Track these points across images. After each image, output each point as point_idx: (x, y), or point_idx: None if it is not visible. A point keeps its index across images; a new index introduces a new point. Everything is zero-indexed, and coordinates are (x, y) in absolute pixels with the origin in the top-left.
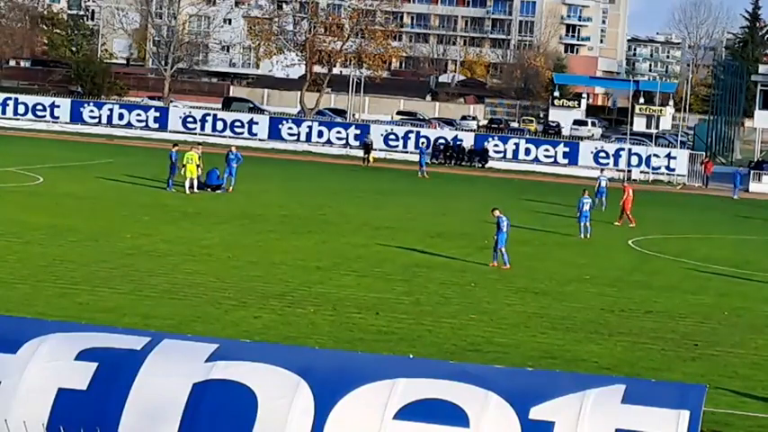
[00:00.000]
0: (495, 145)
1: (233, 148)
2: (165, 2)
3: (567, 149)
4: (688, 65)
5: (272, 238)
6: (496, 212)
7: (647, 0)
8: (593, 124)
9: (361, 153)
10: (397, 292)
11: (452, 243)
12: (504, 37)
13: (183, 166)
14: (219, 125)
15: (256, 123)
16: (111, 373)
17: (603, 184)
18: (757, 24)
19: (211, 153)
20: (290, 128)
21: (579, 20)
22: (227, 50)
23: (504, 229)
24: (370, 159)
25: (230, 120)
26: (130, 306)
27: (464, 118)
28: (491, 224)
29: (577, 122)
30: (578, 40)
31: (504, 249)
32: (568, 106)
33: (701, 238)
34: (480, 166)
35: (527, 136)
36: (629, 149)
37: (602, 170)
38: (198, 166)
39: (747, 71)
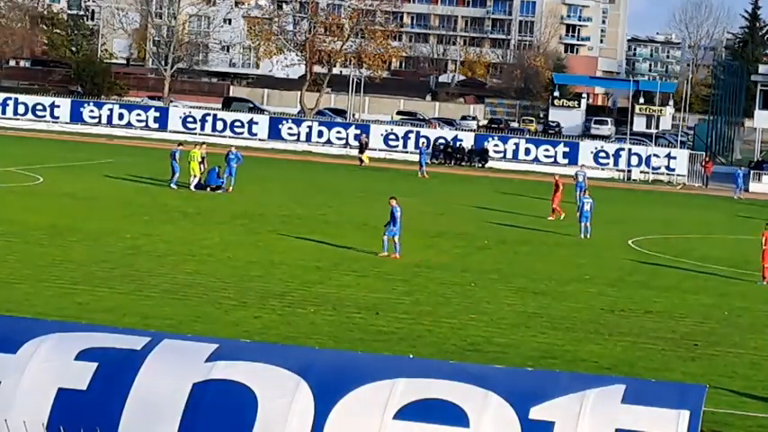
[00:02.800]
0: (495, 145)
1: (233, 149)
2: (165, 2)
3: (566, 149)
4: (688, 65)
5: (272, 238)
6: (393, 202)
7: (647, 0)
8: (611, 123)
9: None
10: (397, 292)
11: (452, 243)
12: (504, 37)
13: (188, 163)
14: (219, 125)
15: (256, 123)
16: (111, 373)
17: (581, 178)
18: (757, 24)
19: (211, 153)
20: (290, 128)
21: (579, 20)
22: (227, 50)
23: (398, 219)
24: (365, 159)
25: (230, 120)
26: (130, 306)
27: (464, 118)
28: (491, 224)
29: (598, 122)
30: (578, 40)
31: (397, 239)
32: (568, 106)
33: (701, 238)
34: (480, 166)
35: (527, 136)
36: (629, 149)
37: (581, 165)
38: (200, 163)
39: (747, 71)
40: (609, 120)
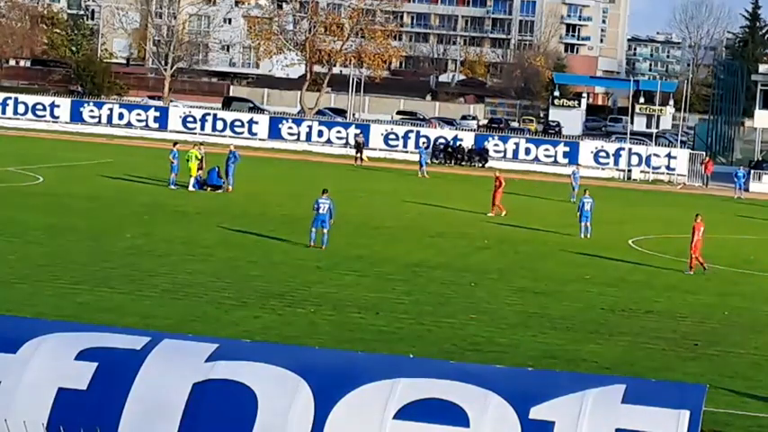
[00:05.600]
0: (496, 145)
1: (231, 147)
2: (165, 2)
3: (566, 149)
4: (688, 65)
5: (273, 239)
6: (325, 195)
7: (647, 0)
8: (626, 121)
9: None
10: (397, 292)
11: (452, 243)
12: (504, 37)
13: (186, 162)
14: (219, 125)
15: (256, 123)
16: (111, 373)
17: (575, 179)
18: (757, 24)
19: (212, 153)
20: (290, 127)
21: (579, 19)
22: (227, 50)
23: (322, 211)
24: (364, 158)
25: (230, 119)
26: (130, 306)
27: (464, 118)
28: (491, 224)
29: (613, 120)
30: (578, 39)
31: (326, 231)
32: (568, 106)
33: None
34: (480, 165)
35: (527, 136)
36: (630, 149)
37: (576, 166)
38: (199, 162)
39: (747, 71)
40: (624, 118)
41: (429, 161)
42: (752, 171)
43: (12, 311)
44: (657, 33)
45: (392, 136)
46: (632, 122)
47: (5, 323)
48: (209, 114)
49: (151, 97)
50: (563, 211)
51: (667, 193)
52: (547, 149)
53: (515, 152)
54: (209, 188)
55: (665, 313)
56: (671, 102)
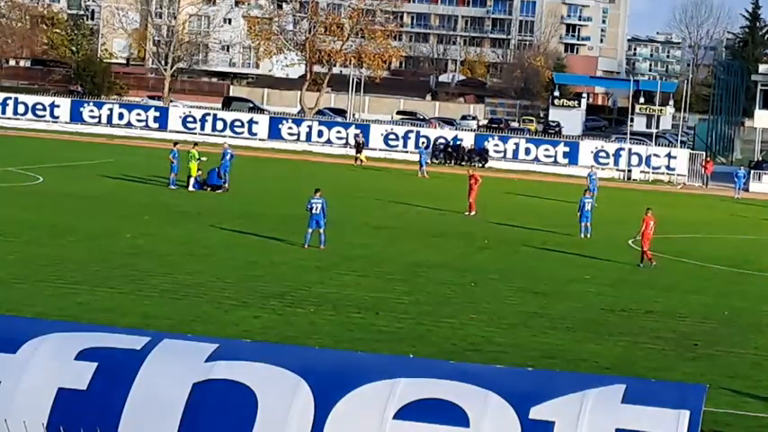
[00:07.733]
0: (496, 145)
1: (225, 146)
2: (165, 2)
3: (567, 149)
4: (688, 65)
5: (273, 239)
6: (318, 194)
7: (647, 0)
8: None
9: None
10: (397, 292)
11: (452, 243)
12: (504, 37)
13: (188, 161)
14: (219, 125)
15: (256, 123)
16: (111, 373)
17: (592, 181)
18: (757, 24)
19: (212, 153)
20: (289, 127)
21: (579, 20)
22: (227, 50)
23: (315, 211)
24: (363, 159)
25: (230, 119)
26: (130, 306)
27: (464, 118)
28: (491, 224)
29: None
30: (578, 39)
31: (322, 231)
32: (568, 106)
33: (701, 238)
34: (480, 165)
35: (527, 136)
36: (630, 149)
37: (592, 167)
38: (198, 163)
39: (747, 71)
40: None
41: (429, 161)
42: (752, 171)
43: (12, 311)
44: (657, 33)
45: (392, 136)
46: (632, 122)
47: (5, 323)
48: (209, 114)
49: (151, 97)
50: (563, 211)
51: (667, 193)
52: (547, 149)
53: (515, 152)
54: (209, 188)
55: (664, 313)
56: (671, 102)
